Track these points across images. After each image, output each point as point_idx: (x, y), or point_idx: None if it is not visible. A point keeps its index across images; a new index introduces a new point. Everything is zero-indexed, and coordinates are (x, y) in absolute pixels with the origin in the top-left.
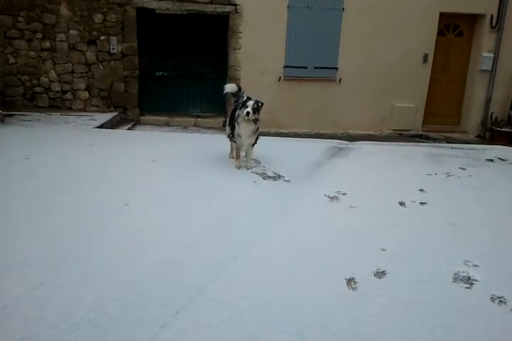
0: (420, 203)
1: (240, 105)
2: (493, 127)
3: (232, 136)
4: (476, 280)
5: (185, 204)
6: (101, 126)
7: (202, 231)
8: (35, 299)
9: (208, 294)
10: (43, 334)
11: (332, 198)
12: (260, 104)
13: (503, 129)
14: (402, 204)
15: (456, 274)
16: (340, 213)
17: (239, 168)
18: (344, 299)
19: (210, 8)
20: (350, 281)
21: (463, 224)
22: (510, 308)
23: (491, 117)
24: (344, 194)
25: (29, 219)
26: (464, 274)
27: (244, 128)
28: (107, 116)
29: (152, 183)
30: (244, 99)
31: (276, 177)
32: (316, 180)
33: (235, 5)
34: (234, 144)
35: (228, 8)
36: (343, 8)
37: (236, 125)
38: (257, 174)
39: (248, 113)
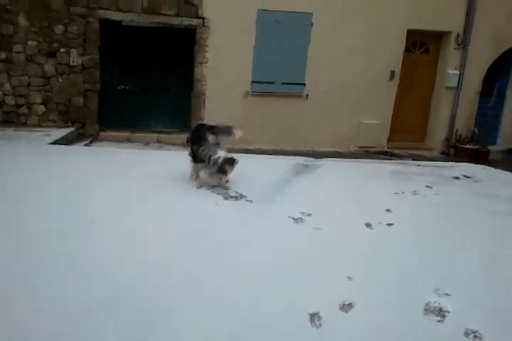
0: (387, 224)
1: (206, 158)
2: (458, 144)
3: (194, 157)
4: (448, 312)
5: (140, 227)
6: (55, 142)
7: (157, 257)
8: None
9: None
10: None
11: (296, 220)
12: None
13: (467, 146)
14: (368, 225)
15: (427, 305)
16: (305, 236)
17: (199, 187)
18: (308, 338)
19: (177, 21)
20: (314, 317)
21: (431, 246)
22: None
23: (456, 134)
24: (309, 215)
25: None
26: (436, 305)
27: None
28: (63, 132)
29: (105, 203)
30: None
31: (239, 197)
32: (280, 200)
33: (203, 18)
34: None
35: (195, 21)
36: (312, 24)
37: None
38: (219, 194)
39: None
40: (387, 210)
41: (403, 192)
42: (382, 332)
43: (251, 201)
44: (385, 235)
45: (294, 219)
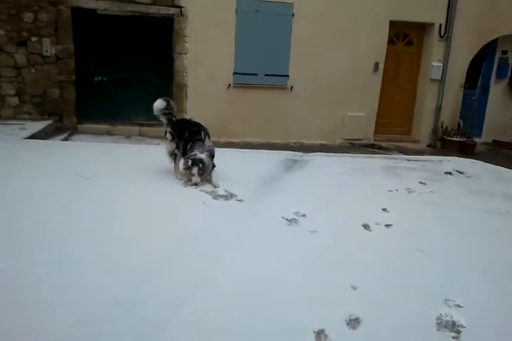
0: (385, 225)
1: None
2: (444, 136)
3: (176, 157)
4: (462, 327)
5: (121, 233)
6: (33, 136)
7: (141, 268)
8: None
9: None
10: None
11: (290, 221)
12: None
13: (453, 139)
14: (366, 227)
15: (439, 319)
16: (301, 240)
17: (190, 184)
18: None
19: (153, 10)
20: (320, 335)
21: (432, 250)
22: None
23: (442, 126)
24: (303, 215)
25: None
26: (448, 318)
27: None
28: (39, 125)
29: (81, 206)
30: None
31: (228, 196)
32: (272, 199)
33: (180, 7)
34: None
35: (172, 11)
36: (293, 14)
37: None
38: (207, 193)
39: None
40: (384, 209)
41: (397, 190)
42: None
43: (241, 200)
44: (384, 237)
45: (288, 220)
